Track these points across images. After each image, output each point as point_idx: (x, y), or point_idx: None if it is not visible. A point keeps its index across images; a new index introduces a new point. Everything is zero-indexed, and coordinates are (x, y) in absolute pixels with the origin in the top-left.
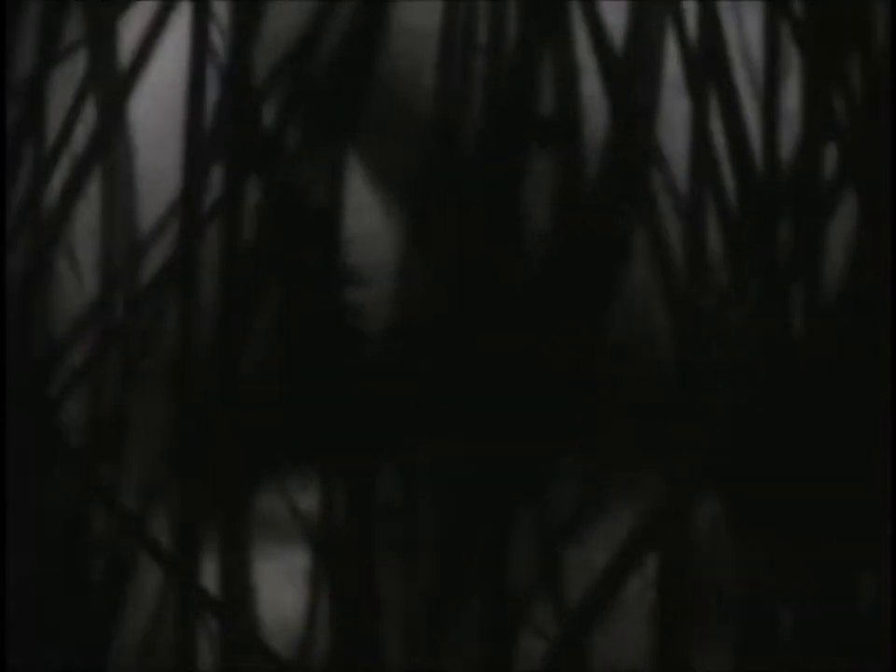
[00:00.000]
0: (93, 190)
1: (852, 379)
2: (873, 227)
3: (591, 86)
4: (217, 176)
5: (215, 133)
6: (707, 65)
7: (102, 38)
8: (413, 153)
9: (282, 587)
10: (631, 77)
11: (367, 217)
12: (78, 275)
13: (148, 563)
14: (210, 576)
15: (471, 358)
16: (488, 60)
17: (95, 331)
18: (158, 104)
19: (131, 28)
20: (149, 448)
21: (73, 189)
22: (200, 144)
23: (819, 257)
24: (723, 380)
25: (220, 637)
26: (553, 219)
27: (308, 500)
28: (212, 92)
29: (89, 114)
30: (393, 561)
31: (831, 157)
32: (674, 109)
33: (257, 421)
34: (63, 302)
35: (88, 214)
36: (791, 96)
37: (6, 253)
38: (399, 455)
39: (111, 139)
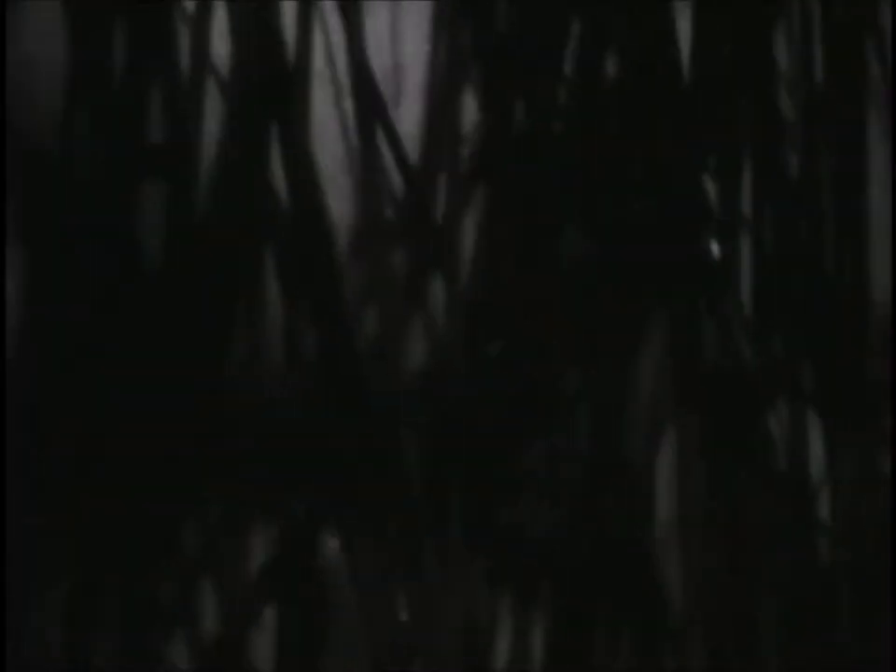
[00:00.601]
0: None
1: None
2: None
3: (201, 109)
4: None
5: None
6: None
7: None
8: (30, 182)
9: None
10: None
11: None
12: None
13: None
14: None
15: (97, 384)
16: (102, 88)
17: None
18: None
19: None
20: None
21: None
22: None
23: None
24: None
25: None
26: (168, 245)
27: None
28: None
29: None
30: (33, 589)
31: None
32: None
33: None
34: None
35: None
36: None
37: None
38: (32, 474)
39: None
